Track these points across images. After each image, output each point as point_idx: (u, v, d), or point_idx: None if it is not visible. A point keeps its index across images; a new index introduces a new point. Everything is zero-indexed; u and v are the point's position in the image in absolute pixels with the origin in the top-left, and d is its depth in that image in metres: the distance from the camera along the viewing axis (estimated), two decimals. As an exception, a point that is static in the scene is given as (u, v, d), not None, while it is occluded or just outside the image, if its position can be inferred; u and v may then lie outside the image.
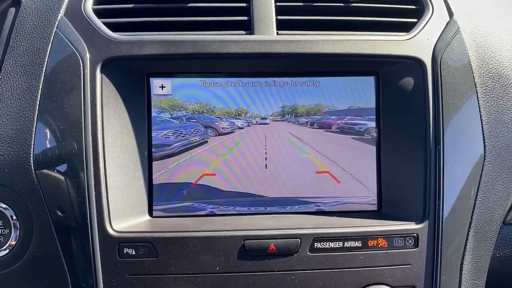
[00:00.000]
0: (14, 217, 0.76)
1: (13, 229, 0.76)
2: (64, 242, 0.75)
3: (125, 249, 0.74)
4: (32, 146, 0.75)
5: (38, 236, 0.75)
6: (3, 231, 0.76)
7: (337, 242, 0.76)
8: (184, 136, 0.82)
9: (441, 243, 0.77)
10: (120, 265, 0.74)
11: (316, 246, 0.75)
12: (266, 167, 0.82)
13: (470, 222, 0.80)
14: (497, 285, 0.90)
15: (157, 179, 0.81)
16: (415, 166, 0.80)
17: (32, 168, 0.75)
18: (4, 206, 0.75)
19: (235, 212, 0.82)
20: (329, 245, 0.76)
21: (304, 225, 0.77)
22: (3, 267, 0.76)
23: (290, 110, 0.83)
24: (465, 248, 0.80)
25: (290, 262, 0.75)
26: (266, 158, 0.82)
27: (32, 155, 0.75)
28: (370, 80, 0.83)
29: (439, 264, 0.77)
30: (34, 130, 0.75)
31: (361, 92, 0.83)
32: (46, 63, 0.77)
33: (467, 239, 0.80)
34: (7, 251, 0.76)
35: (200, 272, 0.74)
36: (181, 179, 0.81)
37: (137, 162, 0.80)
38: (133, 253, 0.74)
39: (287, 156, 0.82)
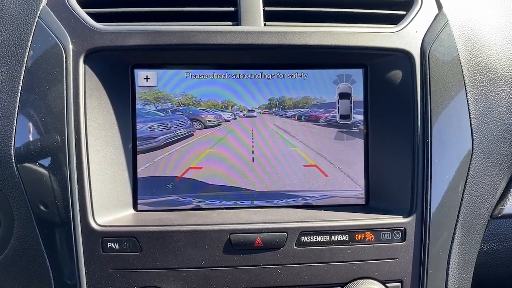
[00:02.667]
0: (-5, 211, 0.74)
1: (-7, 223, 0.74)
2: (46, 237, 0.73)
3: (108, 243, 0.72)
4: (13, 138, 0.73)
5: (20, 231, 0.73)
6: (-17, 226, 0.74)
7: (324, 236, 0.75)
8: (169, 129, 0.80)
9: (429, 237, 0.77)
10: (104, 259, 0.72)
11: (303, 240, 0.75)
12: (253, 161, 0.81)
13: (458, 216, 0.80)
14: (483, 279, 0.90)
15: (141, 172, 0.80)
16: (403, 160, 0.80)
17: (13, 161, 0.73)
18: (-16, 200, 0.74)
19: (221, 206, 0.81)
20: (315, 239, 0.75)
21: (291, 219, 0.76)
22: (-18, 263, 0.74)
23: (278, 103, 0.82)
24: (452, 242, 0.79)
25: (277, 256, 0.74)
26: (253, 152, 0.81)
27: (12, 147, 0.73)
28: (358, 73, 0.82)
29: (426, 258, 0.77)
30: (15, 122, 0.73)
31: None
32: (27, 53, 0.75)
33: (454, 233, 0.80)
34: (-13, 246, 0.74)
35: (185, 266, 0.73)
36: (166, 172, 0.80)
37: (121, 155, 0.78)
38: (117, 247, 0.72)
39: (274, 149, 0.81)
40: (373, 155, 0.82)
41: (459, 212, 0.80)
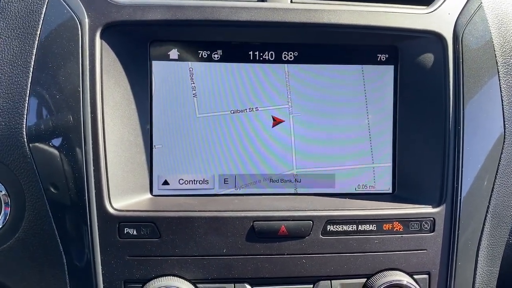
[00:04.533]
0: (5, 193, 0.70)
1: (3, 205, 0.70)
2: (59, 221, 0.69)
3: (125, 228, 0.69)
4: (25, 116, 0.69)
5: (31, 214, 0.70)
6: (-7, 208, 0.70)
7: (351, 225, 0.72)
8: (189, 110, 0.76)
9: (458, 228, 0.74)
10: (120, 245, 0.69)
11: (329, 229, 0.72)
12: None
13: (488, 207, 0.77)
14: (507, 274, 0.88)
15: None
16: (433, 147, 0.77)
17: (25, 140, 0.69)
18: (-6, 181, 0.70)
19: (241, 192, 0.77)
20: (342, 228, 0.72)
21: (316, 207, 0.73)
22: (-8, 246, 0.71)
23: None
24: (482, 233, 0.77)
25: (302, 245, 0.71)
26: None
27: (24, 126, 0.69)
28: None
29: (455, 250, 0.74)
30: (27, 98, 0.69)
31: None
32: (40, 26, 0.70)
33: (484, 224, 0.77)
34: (-2, 228, 0.70)
35: (206, 254, 0.70)
36: (185, 155, 0.76)
37: (138, 135, 0.75)
38: (134, 233, 0.69)
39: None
40: (401, 142, 0.79)
41: (489, 202, 0.77)
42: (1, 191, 0.70)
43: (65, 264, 0.70)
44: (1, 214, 0.71)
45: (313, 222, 0.71)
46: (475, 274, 0.77)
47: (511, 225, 0.81)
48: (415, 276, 0.73)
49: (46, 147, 0.69)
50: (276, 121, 0.79)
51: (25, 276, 0.71)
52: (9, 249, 0.71)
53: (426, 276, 0.74)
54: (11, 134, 0.69)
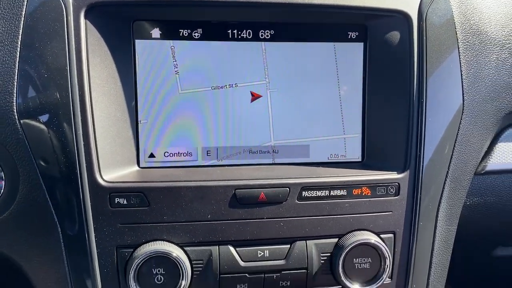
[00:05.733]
0: (-1, 168, 0.74)
1: (-2, 179, 0.74)
2: (53, 193, 0.74)
3: (116, 198, 0.74)
4: (15, 94, 0.72)
5: (25, 187, 0.74)
6: (-13, 182, 0.74)
7: (324, 191, 0.79)
8: (172, 87, 0.80)
9: (420, 192, 0.82)
10: (112, 214, 0.74)
11: (304, 195, 0.78)
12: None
13: (447, 172, 0.85)
14: (464, 231, 0.97)
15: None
16: (399, 118, 0.83)
17: (16, 117, 0.72)
18: (-13, 156, 0.73)
19: (223, 163, 0.83)
20: (316, 194, 0.78)
21: (292, 175, 0.79)
22: (-12, 218, 0.75)
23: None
24: (441, 196, 0.85)
25: (279, 210, 0.77)
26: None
27: (15, 103, 0.72)
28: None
29: (417, 211, 0.82)
30: (15, 77, 0.72)
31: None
32: (25, 7, 0.73)
33: (443, 188, 0.85)
34: (-8, 202, 0.74)
35: (192, 220, 0.75)
36: (169, 130, 0.81)
37: (125, 111, 0.79)
38: (125, 202, 0.74)
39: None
40: (370, 114, 0.85)
41: (448, 168, 0.85)
42: (-5, 167, 0.74)
43: (60, 233, 0.74)
44: (-4, 187, 0.75)
45: (289, 189, 0.77)
46: (435, 232, 0.85)
47: (468, 188, 0.90)
48: (382, 236, 0.81)
49: (37, 124, 0.73)
50: (255, 96, 0.84)
51: (22, 246, 0.76)
52: (6, 221, 0.75)
53: (391, 235, 0.82)
54: (2, 111, 0.72)
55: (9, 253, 0.76)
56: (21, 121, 0.72)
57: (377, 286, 0.79)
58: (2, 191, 0.74)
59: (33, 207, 0.74)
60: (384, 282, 0.81)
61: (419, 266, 0.84)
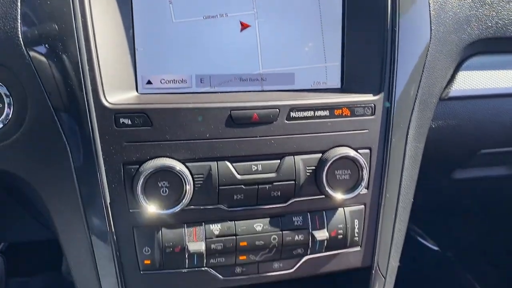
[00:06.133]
0: (7, 93, 0.78)
1: (6, 105, 0.78)
2: (61, 115, 0.79)
3: (121, 119, 0.79)
4: (19, 20, 0.75)
5: (34, 111, 0.78)
6: (-4, 106, 0.78)
7: (309, 112, 0.87)
8: (167, 16, 0.85)
9: (393, 112, 0.92)
10: (117, 134, 0.80)
11: (292, 115, 0.86)
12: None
13: (416, 95, 0.95)
14: (428, 152, 1.09)
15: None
16: (374, 48, 0.92)
17: (21, 42, 0.76)
18: (-5, 82, 0.77)
19: (216, 90, 0.90)
20: (302, 114, 0.87)
21: (281, 98, 0.87)
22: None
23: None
24: (411, 116, 0.95)
25: (270, 129, 0.85)
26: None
27: (19, 29, 0.75)
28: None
29: (390, 129, 0.92)
30: (18, 4, 0.75)
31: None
32: None
33: (413, 108, 0.95)
34: (2, 124, 0.79)
35: (192, 138, 0.82)
36: (166, 57, 0.87)
37: (123, 39, 0.83)
38: (129, 122, 0.80)
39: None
40: (348, 44, 0.94)
41: (417, 91, 0.95)
42: (5, 93, 0.77)
43: (70, 152, 0.80)
44: (4, 113, 0.79)
45: (279, 110, 0.85)
46: (405, 148, 0.96)
47: (433, 110, 1.01)
48: (360, 151, 0.90)
49: (42, 49, 0.76)
50: (244, 26, 0.90)
51: (34, 167, 0.81)
52: (16, 142, 0.79)
53: (368, 150, 0.92)
54: (7, 37, 0.75)
55: (20, 173, 0.81)
56: (27, 46, 0.76)
57: (355, 195, 0.90)
58: (10, 116, 0.79)
59: (42, 129, 0.79)
60: (361, 192, 0.91)
61: (392, 178, 0.95)
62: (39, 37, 0.76)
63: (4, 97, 0.78)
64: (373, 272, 0.99)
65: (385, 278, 1.01)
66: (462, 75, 1.06)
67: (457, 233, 2.40)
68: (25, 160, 0.81)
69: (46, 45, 0.76)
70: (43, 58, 0.77)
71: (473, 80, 1.07)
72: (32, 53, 0.76)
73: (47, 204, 0.83)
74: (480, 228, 2.30)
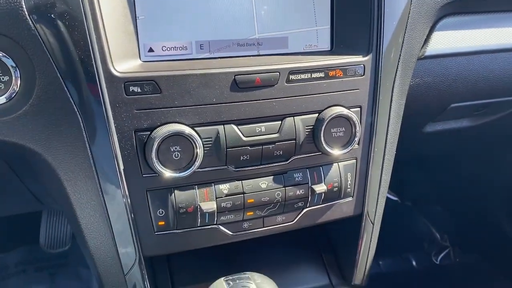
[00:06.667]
0: (13, 65, 0.77)
1: (13, 75, 0.77)
2: (71, 86, 0.79)
3: (131, 87, 0.81)
4: (22, -10, 0.74)
5: (42, 82, 0.78)
6: (3, 78, 0.77)
7: (307, 74, 0.92)
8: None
9: (381, 71, 0.99)
10: (128, 101, 0.82)
11: (291, 78, 0.91)
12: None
13: (400, 55, 1.02)
14: (406, 108, 1.18)
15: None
16: (362, 11, 0.97)
17: (26, 14, 0.75)
18: (1, 54, 0.76)
19: (216, 56, 0.93)
20: (300, 77, 0.92)
21: (280, 62, 0.91)
22: (8, 113, 0.79)
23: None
24: (395, 75, 1.03)
25: (272, 92, 0.90)
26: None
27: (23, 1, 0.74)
28: None
29: (378, 88, 0.99)
30: (20, -28, 0.74)
31: None
32: None
33: (397, 68, 1.03)
34: (10, 97, 0.78)
35: (200, 103, 0.85)
36: (168, 24, 0.88)
37: (126, 7, 0.84)
38: (139, 90, 0.82)
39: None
40: (337, 8, 0.98)
41: (401, 51, 1.02)
42: (12, 65, 0.76)
43: (81, 122, 0.81)
44: (11, 85, 0.78)
45: (279, 73, 0.90)
46: (390, 105, 1.04)
47: (413, 69, 1.09)
48: (351, 109, 0.98)
49: (48, 18, 0.76)
50: (240, -8, 0.93)
51: (46, 138, 0.81)
52: (25, 114, 0.79)
53: (358, 108, 0.99)
54: (10, 8, 0.74)
55: (30, 144, 0.82)
56: (31, 16, 0.75)
57: (349, 150, 0.98)
58: (18, 87, 0.78)
59: (51, 100, 0.79)
60: (354, 148, 0.99)
61: (379, 133, 1.03)
62: (44, 6, 0.75)
63: (11, 69, 0.77)
64: (364, 219, 1.09)
65: (373, 224, 1.11)
66: (436, 35, 1.14)
67: (415, 183, 2.60)
68: (35, 132, 0.81)
69: (52, 15, 0.76)
70: (48, 28, 0.76)
71: (446, 40, 1.16)
72: (37, 23, 0.75)
73: (59, 173, 0.84)
74: (436, 177, 2.50)
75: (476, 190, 2.27)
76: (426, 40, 1.13)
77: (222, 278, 0.79)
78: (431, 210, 2.54)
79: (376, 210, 1.10)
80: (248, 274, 0.80)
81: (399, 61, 1.03)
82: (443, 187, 2.48)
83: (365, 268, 1.15)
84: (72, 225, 1.04)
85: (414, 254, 2.42)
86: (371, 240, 1.13)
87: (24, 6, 0.74)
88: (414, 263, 2.41)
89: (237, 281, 0.77)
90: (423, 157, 2.19)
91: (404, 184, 2.51)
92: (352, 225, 1.12)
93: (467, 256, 2.34)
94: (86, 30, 0.77)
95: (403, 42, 1.02)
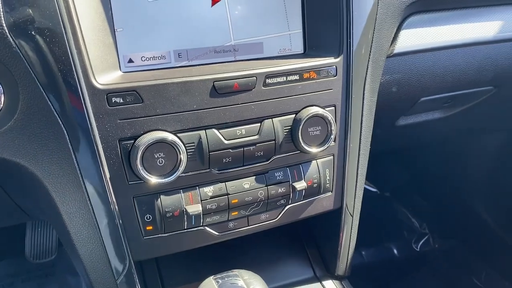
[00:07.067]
0: (-4, 82, 0.79)
1: (-4, 92, 0.79)
2: (54, 100, 0.81)
3: (113, 98, 0.84)
4: (1, 8, 0.76)
5: (26, 97, 0.80)
6: (-14, 95, 0.79)
7: (282, 77, 0.96)
8: (143, -4, 0.89)
9: (352, 71, 1.04)
10: (111, 112, 0.84)
11: (267, 82, 0.95)
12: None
13: (370, 54, 1.07)
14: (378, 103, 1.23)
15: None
16: (331, 16, 1.02)
17: (6, 31, 0.77)
18: (-16, 72, 0.78)
19: (194, 64, 0.96)
20: (276, 80, 0.96)
21: (256, 67, 0.95)
22: (-7, 129, 0.81)
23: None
24: (366, 74, 1.08)
25: (250, 96, 0.94)
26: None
27: (2, 17, 0.76)
28: None
29: (350, 87, 1.04)
30: (-2, -9, 0.76)
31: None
32: None
33: (367, 68, 1.08)
34: (-6, 113, 0.80)
35: (181, 111, 0.89)
36: (146, 35, 0.91)
37: (104, 20, 0.86)
38: (121, 101, 0.84)
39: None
40: (308, 13, 1.03)
41: (370, 52, 1.07)
42: (-7, 81, 0.78)
43: (66, 134, 0.83)
44: (-5, 100, 0.80)
45: (256, 78, 0.94)
46: (363, 103, 1.09)
47: (383, 67, 1.15)
48: (326, 109, 1.02)
49: (28, 35, 0.78)
50: (214, 1, 0.96)
51: (32, 152, 0.83)
52: (11, 130, 0.81)
53: (333, 108, 1.04)
54: (-9, 26, 0.76)
55: (16, 158, 0.83)
56: (12, 34, 0.77)
57: (326, 147, 1.02)
58: (2, 103, 0.80)
59: (36, 114, 0.81)
60: (331, 145, 1.04)
61: (354, 129, 1.08)
62: (24, 23, 0.77)
63: (-6, 86, 0.79)
64: (343, 212, 1.14)
65: (352, 216, 1.16)
66: (403, 33, 1.20)
67: (393, 175, 2.68)
68: (22, 146, 0.83)
69: (32, 31, 0.78)
70: (29, 44, 0.78)
71: (413, 37, 1.21)
72: (18, 40, 0.77)
73: (47, 185, 0.86)
74: (413, 168, 2.58)
75: (451, 178, 2.36)
76: (394, 39, 1.19)
77: (211, 277, 0.83)
78: (409, 199, 2.62)
79: (354, 203, 1.16)
80: (236, 271, 0.83)
81: (369, 61, 1.08)
82: (420, 177, 2.57)
83: (347, 259, 1.20)
84: (61, 235, 1.06)
85: (395, 243, 2.50)
86: (351, 231, 1.18)
87: (4, 24, 0.76)
88: (395, 251, 2.48)
89: (226, 278, 0.80)
90: (400, 149, 2.26)
91: (382, 175, 2.59)
92: (332, 219, 1.17)
93: (445, 242, 2.43)
94: (67, 44, 0.79)
95: (372, 42, 1.07)
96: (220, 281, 0.80)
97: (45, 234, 2.03)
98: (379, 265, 2.38)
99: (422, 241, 2.48)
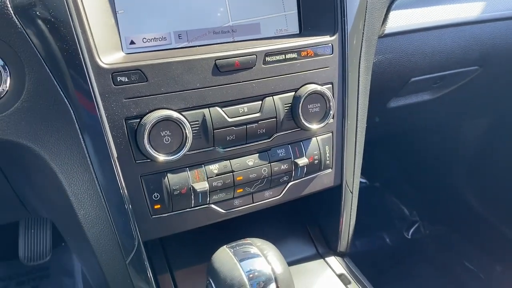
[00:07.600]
0: (2, 63, 0.79)
1: (3, 74, 0.80)
2: (60, 80, 0.82)
3: (118, 77, 0.85)
4: (6, -9, 0.77)
5: (32, 78, 0.81)
6: (-8, 77, 0.79)
7: (281, 55, 0.99)
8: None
9: (348, 49, 1.07)
10: (116, 91, 0.85)
11: (267, 60, 0.97)
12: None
13: (363, 33, 1.11)
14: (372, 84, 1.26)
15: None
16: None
17: (11, 12, 0.77)
18: (-11, 53, 0.78)
19: (194, 44, 0.98)
20: (276, 58, 0.98)
21: (256, 46, 0.97)
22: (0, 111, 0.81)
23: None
24: (360, 52, 1.11)
25: (250, 74, 0.96)
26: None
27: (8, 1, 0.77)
28: None
29: (346, 65, 1.07)
30: (2, -28, 0.76)
31: None
32: None
33: (361, 46, 1.11)
34: (0, 95, 0.80)
35: (185, 89, 0.90)
36: (147, 17, 0.92)
37: (106, 2, 0.87)
38: (126, 80, 0.85)
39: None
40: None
41: (363, 31, 1.11)
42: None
43: (73, 114, 0.84)
44: (2, 83, 0.80)
45: (256, 56, 0.96)
46: (359, 80, 1.12)
47: (375, 46, 1.18)
48: (324, 86, 1.05)
49: (33, 17, 0.79)
50: (212, -17, 0.98)
51: (39, 133, 0.84)
52: (17, 111, 0.82)
53: (330, 85, 1.07)
54: (-3, 8, 0.77)
55: (22, 140, 0.84)
56: (18, 15, 0.78)
57: (325, 124, 1.05)
58: (8, 84, 0.80)
59: (43, 95, 0.82)
60: (330, 122, 1.07)
61: (350, 106, 1.11)
62: (29, 5, 0.78)
63: (0, 68, 0.79)
64: (343, 189, 1.17)
65: (352, 193, 1.19)
66: (393, 15, 1.24)
67: (382, 165, 2.73)
68: (29, 128, 0.83)
69: (37, 12, 0.79)
70: (35, 25, 0.79)
71: (402, 18, 1.26)
72: (23, 22, 0.78)
73: (54, 166, 0.87)
74: (401, 157, 2.63)
75: (439, 166, 2.42)
76: (384, 20, 1.23)
77: (225, 246, 0.84)
78: (398, 188, 2.67)
79: (353, 180, 1.18)
80: (249, 239, 0.85)
81: (362, 40, 1.11)
82: (408, 166, 2.62)
83: (348, 236, 1.23)
84: (63, 225, 1.06)
85: (387, 232, 2.54)
86: (351, 208, 1.21)
87: (9, 6, 0.77)
88: (387, 240, 2.53)
89: (239, 247, 0.82)
90: (389, 137, 2.31)
91: (371, 167, 2.63)
92: (333, 196, 1.19)
93: (435, 228, 2.48)
94: (72, 25, 0.80)
95: (364, 22, 1.11)
96: (233, 249, 0.81)
97: (39, 236, 2.01)
98: (373, 254, 2.42)
99: (413, 228, 2.53)
